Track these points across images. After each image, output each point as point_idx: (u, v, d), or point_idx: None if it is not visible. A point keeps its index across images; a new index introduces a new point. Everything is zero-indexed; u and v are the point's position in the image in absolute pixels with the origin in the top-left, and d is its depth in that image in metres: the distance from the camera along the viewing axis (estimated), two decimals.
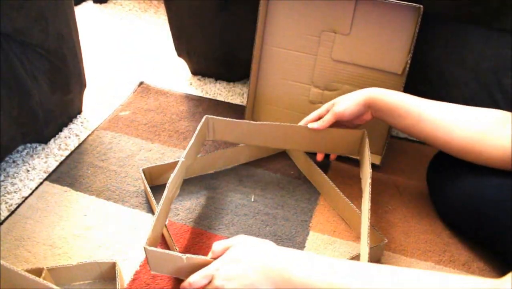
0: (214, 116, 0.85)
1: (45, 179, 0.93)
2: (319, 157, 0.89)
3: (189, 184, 0.93)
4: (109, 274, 0.74)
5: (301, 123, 0.85)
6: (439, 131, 0.72)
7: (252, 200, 0.90)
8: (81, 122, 1.09)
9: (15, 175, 0.94)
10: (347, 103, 0.80)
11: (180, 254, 0.65)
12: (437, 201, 0.86)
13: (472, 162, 0.72)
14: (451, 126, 0.71)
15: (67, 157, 0.99)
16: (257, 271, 0.57)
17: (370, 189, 0.74)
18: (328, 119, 0.82)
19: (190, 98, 1.17)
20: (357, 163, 0.90)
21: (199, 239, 0.82)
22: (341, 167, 0.97)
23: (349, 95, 0.81)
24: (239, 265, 0.58)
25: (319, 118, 0.84)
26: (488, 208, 0.72)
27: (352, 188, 0.92)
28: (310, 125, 0.83)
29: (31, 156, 0.99)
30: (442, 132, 0.72)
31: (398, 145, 1.04)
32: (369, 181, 0.76)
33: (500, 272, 0.77)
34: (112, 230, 0.84)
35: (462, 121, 0.71)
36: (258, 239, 0.62)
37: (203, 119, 0.84)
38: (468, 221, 0.78)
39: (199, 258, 0.62)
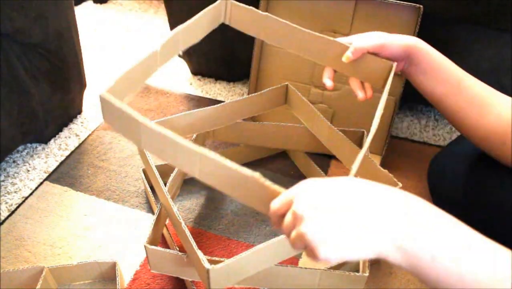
0: None
1: (45, 179, 0.93)
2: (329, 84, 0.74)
3: (189, 184, 0.93)
4: (109, 274, 0.74)
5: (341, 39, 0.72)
6: (474, 109, 0.66)
7: None
8: (81, 122, 1.09)
9: (15, 175, 0.94)
10: (393, 46, 0.68)
11: (180, 253, 0.65)
12: (438, 201, 0.86)
13: (488, 153, 0.70)
14: (486, 106, 0.66)
15: (67, 157, 0.99)
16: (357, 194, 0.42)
17: None
18: (363, 51, 0.69)
19: (190, 98, 1.17)
20: None
21: (199, 239, 0.82)
22: (341, 167, 0.97)
23: (392, 38, 0.69)
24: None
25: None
26: (489, 208, 0.72)
27: None
28: (346, 55, 0.69)
29: (31, 156, 0.99)
30: (477, 111, 0.66)
31: (398, 145, 1.04)
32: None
33: None
34: (112, 230, 0.84)
35: (497, 106, 0.65)
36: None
37: None
38: (469, 221, 0.78)
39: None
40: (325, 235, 0.40)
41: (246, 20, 0.73)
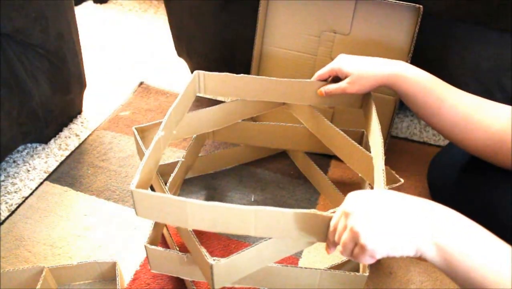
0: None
1: (46, 179, 0.93)
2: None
3: (189, 184, 0.93)
4: (109, 274, 0.74)
5: (314, 78, 0.79)
6: (458, 128, 0.67)
7: (252, 200, 0.90)
8: (81, 122, 1.09)
9: (16, 175, 0.94)
10: (362, 84, 0.72)
11: (180, 253, 0.65)
12: (438, 201, 0.85)
13: (486, 160, 0.70)
14: (472, 123, 0.66)
15: (67, 157, 0.99)
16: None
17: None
18: (335, 93, 0.75)
19: None
20: None
21: (199, 239, 0.82)
22: (341, 167, 0.97)
23: (367, 72, 0.71)
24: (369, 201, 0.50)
25: (329, 76, 0.78)
26: (489, 208, 0.72)
27: (352, 188, 0.92)
28: (319, 90, 0.77)
29: (32, 156, 0.99)
30: (461, 130, 0.67)
31: (398, 145, 1.04)
32: (368, 187, 0.76)
33: None
34: (112, 230, 0.84)
35: (484, 120, 0.65)
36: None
37: None
38: None
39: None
40: (371, 224, 0.47)
41: (222, 85, 0.79)
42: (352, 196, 0.52)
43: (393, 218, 0.48)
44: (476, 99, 0.67)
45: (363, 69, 0.72)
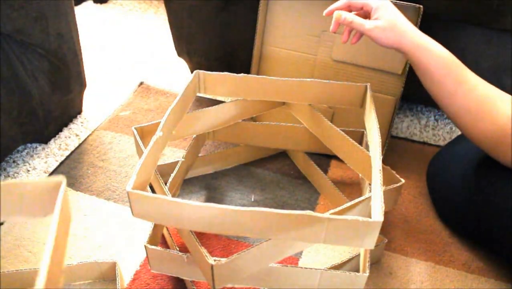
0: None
1: None
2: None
3: (189, 184, 0.93)
4: (109, 274, 0.74)
5: (327, 10, 0.76)
6: (468, 115, 0.66)
7: (252, 200, 0.90)
8: (81, 122, 1.09)
9: (15, 175, 0.94)
10: (387, 37, 0.69)
11: (180, 253, 0.65)
12: (437, 201, 0.86)
13: (486, 152, 0.70)
14: (482, 113, 0.65)
15: (67, 157, 0.99)
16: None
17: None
18: (352, 26, 0.72)
19: None
20: None
21: (199, 239, 0.82)
22: (341, 167, 0.97)
23: (401, 26, 0.68)
24: None
25: (348, 9, 0.74)
26: (488, 208, 0.72)
27: (352, 188, 0.92)
28: (335, 14, 0.73)
29: (31, 156, 0.99)
30: (471, 117, 0.66)
31: (398, 145, 1.04)
32: (368, 187, 0.76)
33: (500, 272, 0.77)
34: (112, 230, 0.84)
35: (494, 111, 0.64)
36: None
37: None
38: (468, 221, 0.78)
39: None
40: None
41: (222, 85, 0.79)
42: None
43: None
44: (493, 89, 0.66)
45: (397, 20, 0.69)
